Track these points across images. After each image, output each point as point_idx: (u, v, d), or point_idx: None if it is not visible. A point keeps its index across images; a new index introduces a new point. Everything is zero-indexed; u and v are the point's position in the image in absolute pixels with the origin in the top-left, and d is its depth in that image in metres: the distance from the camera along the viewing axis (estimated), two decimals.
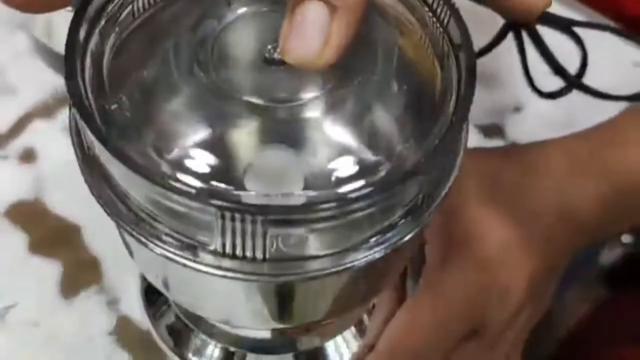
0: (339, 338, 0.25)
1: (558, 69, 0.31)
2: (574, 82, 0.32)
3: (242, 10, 0.20)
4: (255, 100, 0.19)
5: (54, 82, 0.39)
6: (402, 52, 0.20)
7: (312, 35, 0.15)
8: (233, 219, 0.15)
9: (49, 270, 0.32)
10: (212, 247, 0.16)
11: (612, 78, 0.31)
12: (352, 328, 0.24)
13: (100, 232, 0.33)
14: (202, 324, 0.24)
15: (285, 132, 0.19)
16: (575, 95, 0.30)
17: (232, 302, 0.19)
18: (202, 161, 0.18)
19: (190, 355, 0.25)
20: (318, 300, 0.19)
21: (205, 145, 0.18)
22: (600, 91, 0.30)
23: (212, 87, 0.19)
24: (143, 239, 0.17)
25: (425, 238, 0.26)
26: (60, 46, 0.36)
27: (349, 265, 0.16)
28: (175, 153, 0.18)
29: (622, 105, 0.33)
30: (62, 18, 0.35)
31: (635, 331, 0.37)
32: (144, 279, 0.27)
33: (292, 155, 0.19)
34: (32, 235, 0.33)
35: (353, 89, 0.19)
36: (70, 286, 0.32)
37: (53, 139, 0.37)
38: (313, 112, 0.19)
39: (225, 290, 0.19)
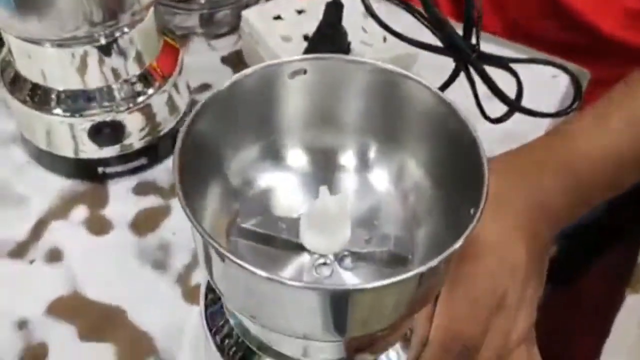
0: (389, 352, 0.29)
1: (502, 97, 0.38)
2: (515, 106, 0.39)
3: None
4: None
5: (58, 184, 0.42)
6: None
7: None
8: None
9: (104, 352, 0.35)
10: None
11: (540, 103, 0.38)
12: (398, 344, 0.29)
13: (145, 309, 0.36)
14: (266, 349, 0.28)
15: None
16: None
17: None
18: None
19: None
20: (383, 308, 0.23)
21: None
22: (535, 110, 0.38)
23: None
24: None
25: None
26: (61, 150, 0.40)
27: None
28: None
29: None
30: (61, 125, 0.39)
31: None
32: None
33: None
34: (79, 325, 0.35)
35: None
36: None
37: (73, 236, 0.39)
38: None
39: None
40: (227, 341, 0.28)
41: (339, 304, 0.21)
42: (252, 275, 0.20)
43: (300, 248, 0.25)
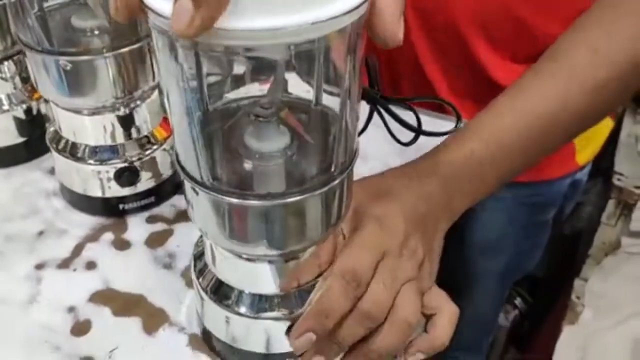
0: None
1: (406, 125, 0.54)
2: (419, 131, 0.55)
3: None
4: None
5: (89, 220, 0.56)
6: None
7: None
8: None
9: (132, 322, 0.48)
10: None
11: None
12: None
13: (158, 296, 0.50)
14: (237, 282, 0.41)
15: None
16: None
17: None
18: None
19: (230, 303, 0.41)
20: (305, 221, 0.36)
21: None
22: (433, 132, 0.53)
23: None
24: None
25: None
26: (92, 192, 0.54)
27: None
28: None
29: None
30: (92, 172, 0.54)
31: None
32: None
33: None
34: (113, 307, 0.49)
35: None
36: (151, 327, 0.47)
37: (103, 252, 0.53)
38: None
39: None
40: (209, 284, 0.42)
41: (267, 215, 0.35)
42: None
43: None
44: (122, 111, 0.53)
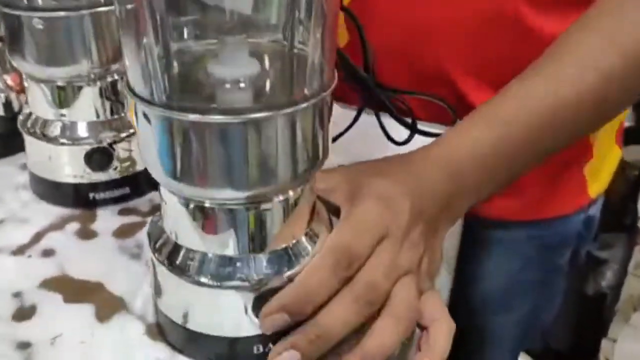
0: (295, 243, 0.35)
1: (402, 122, 0.49)
2: (415, 128, 0.50)
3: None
4: None
5: (56, 211, 0.51)
6: None
7: None
8: None
9: (84, 309, 0.41)
10: None
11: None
12: (303, 238, 0.36)
13: (119, 284, 0.43)
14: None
15: None
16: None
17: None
18: None
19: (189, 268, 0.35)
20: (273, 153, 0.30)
21: None
22: (430, 131, 0.48)
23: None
24: None
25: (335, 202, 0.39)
26: (61, 177, 0.48)
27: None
28: None
29: None
30: (62, 156, 0.49)
31: None
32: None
33: None
34: (65, 294, 0.42)
35: None
36: (104, 315, 0.40)
37: (65, 241, 0.47)
38: None
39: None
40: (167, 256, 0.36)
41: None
42: None
43: None
44: (99, 85, 0.49)
